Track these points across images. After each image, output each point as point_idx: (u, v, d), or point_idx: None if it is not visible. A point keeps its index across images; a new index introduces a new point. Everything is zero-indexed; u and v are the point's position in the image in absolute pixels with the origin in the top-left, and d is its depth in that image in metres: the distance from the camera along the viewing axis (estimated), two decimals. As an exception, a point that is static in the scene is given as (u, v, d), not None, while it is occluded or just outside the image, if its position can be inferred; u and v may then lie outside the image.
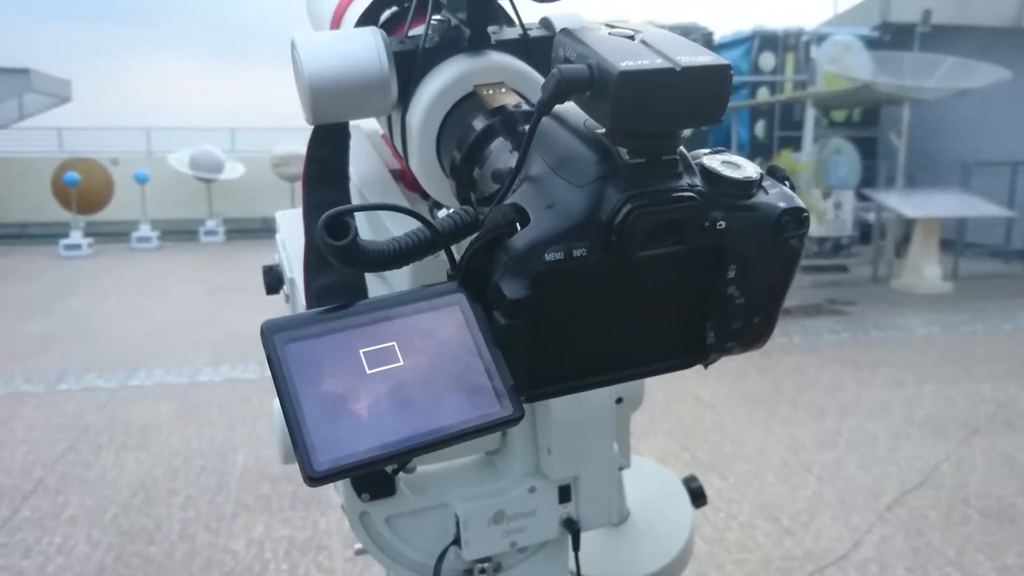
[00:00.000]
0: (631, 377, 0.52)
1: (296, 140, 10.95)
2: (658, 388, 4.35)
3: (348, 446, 0.40)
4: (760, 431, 3.71)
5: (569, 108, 0.46)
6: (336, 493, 0.77)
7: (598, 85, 0.42)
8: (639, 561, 0.91)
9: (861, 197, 8.39)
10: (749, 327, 0.52)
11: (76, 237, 10.54)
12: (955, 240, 8.47)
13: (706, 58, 0.43)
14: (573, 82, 0.42)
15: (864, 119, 10.22)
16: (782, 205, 0.48)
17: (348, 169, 0.64)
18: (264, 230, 11.91)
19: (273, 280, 0.81)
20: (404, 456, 0.42)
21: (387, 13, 0.69)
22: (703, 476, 3.12)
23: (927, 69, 8.33)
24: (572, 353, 0.48)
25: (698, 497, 0.94)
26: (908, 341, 5.49)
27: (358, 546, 0.80)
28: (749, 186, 0.47)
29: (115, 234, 11.69)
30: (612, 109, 0.41)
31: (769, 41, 10.36)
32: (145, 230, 11.39)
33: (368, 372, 0.42)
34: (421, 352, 0.44)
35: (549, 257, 0.42)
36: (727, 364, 3.77)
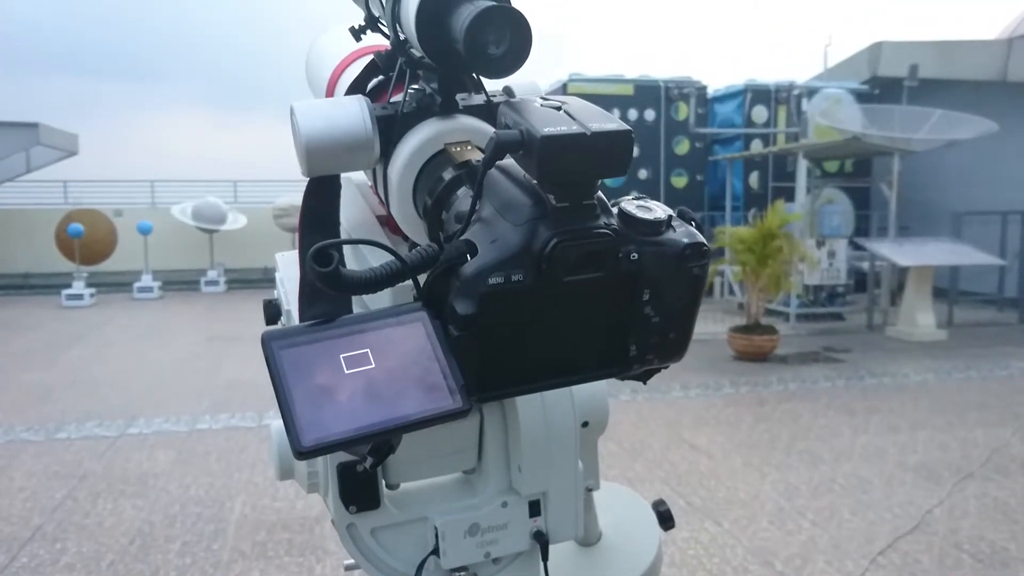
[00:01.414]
0: (567, 383, 0.62)
1: (297, 192, 10.98)
2: (654, 436, 4.39)
3: (329, 428, 0.51)
4: (755, 477, 3.73)
5: (512, 163, 0.57)
6: (327, 510, 0.83)
7: (527, 146, 0.54)
8: None
9: (855, 246, 8.50)
10: (666, 342, 0.62)
11: (79, 287, 10.64)
12: (949, 288, 8.56)
13: (612, 124, 0.54)
14: (507, 144, 0.54)
15: (856, 170, 10.40)
16: (685, 240, 0.59)
17: (338, 215, 0.73)
18: (265, 280, 12.02)
19: (272, 312, 0.92)
20: (374, 437, 0.52)
21: (374, 81, 0.79)
22: (698, 522, 3.15)
23: (916, 121, 8.53)
24: (516, 362, 0.58)
25: (666, 520, 1.00)
26: (902, 388, 5.52)
27: (348, 562, 0.86)
28: (658, 225, 0.59)
29: (117, 284, 11.80)
30: (537, 165, 0.53)
31: (761, 95, 10.61)
32: (147, 280, 11.50)
33: (346, 372, 0.53)
34: (390, 357, 0.54)
35: (492, 281, 0.54)
36: (723, 412, 3.84)
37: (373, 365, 0.54)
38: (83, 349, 7.34)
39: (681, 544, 3.00)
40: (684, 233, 0.60)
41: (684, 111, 10.45)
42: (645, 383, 0.67)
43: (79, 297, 10.56)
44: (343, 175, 0.74)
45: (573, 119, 0.54)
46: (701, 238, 0.60)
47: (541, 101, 0.58)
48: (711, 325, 7.74)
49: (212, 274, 12.20)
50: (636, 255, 0.57)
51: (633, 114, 10.24)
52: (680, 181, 10.51)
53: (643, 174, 10.21)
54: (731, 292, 9.48)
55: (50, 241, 11.90)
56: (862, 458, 3.99)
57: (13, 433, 4.54)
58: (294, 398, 0.52)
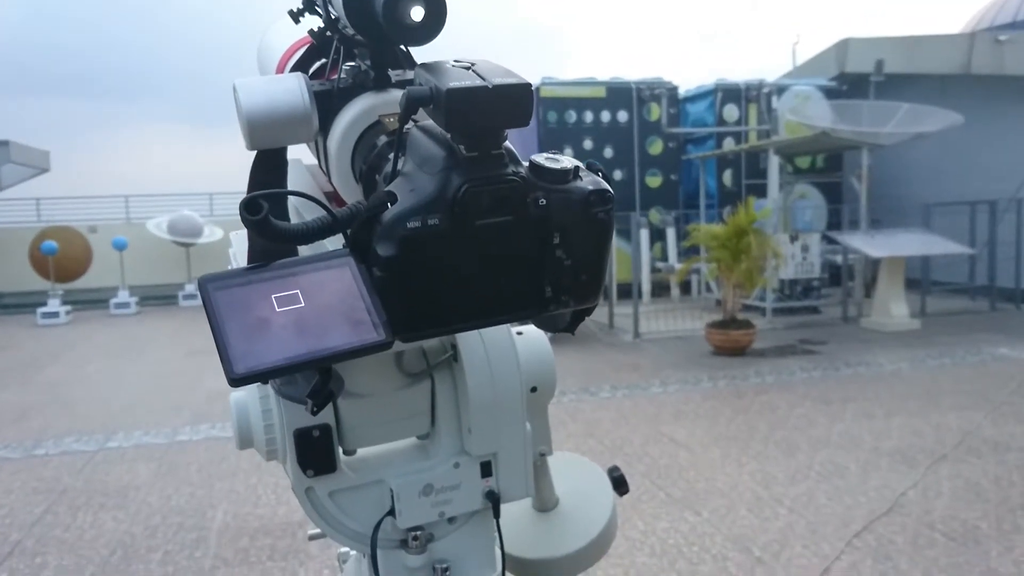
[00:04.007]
0: (487, 324, 0.66)
1: (274, 203, 11.08)
2: (634, 432, 4.43)
3: (261, 358, 0.55)
4: (733, 468, 3.78)
5: (431, 123, 0.62)
6: (287, 475, 0.86)
7: (436, 100, 0.59)
8: (565, 542, 1.01)
9: (828, 240, 8.62)
10: (578, 283, 0.66)
11: (54, 305, 10.53)
12: (921, 279, 8.70)
13: (513, 79, 0.60)
14: (418, 99, 0.60)
15: (828, 165, 10.55)
16: (590, 187, 0.65)
17: (285, 188, 0.76)
18: (243, 292, 11.94)
19: None
20: (304, 367, 0.56)
21: (316, 65, 0.84)
22: (677, 513, 3.19)
23: (883, 116, 8.68)
24: (438, 303, 0.62)
25: (620, 485, 1.03)
26: (877, 377, 5.61)
27: (312, 531, 0.89)
28: (565, 174, 0.64)
29: (94, 301, 11.70)
30: (445, 116, 0.58)
31: (732, 94, 10.74)
32: (124, 296, 11.41)
33: (277, 310, 0.57)
34: (318, 297, 0.59)
35: (410, 225, 0.59)
36: (702, 406, 3.88)
37: (303, 304, 0.58)
38: (60, 367, 7.27)
39: (661, 534, 3.04)
40: (590, 181, 0.65)
41: (656, 112, 10.55)
42: (573, 333, 0.71)
43: (55, 315, 10.45)
44: (294, 157, 0.78)
45: (479, 76, 0.59)
46: (605, 185, 0.65)
47: (453, 62, 0.62)
48: (689, 321, 7.82)
49: (190, 288, 12.12)
50: (544, 200, 0.62)
51: (606, 116, 10.33)
52: (655, 181, 10.61)
53: (618, 175, 10.29)
54: (708, 289, 9.57)
55: (24, 259, 11.78)
56: (838, 445, 4.06)
57: (-10, 451, 4.49)
58: (227, 332, 0.56)
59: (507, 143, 0.62)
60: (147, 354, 7.90)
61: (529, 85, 0.60)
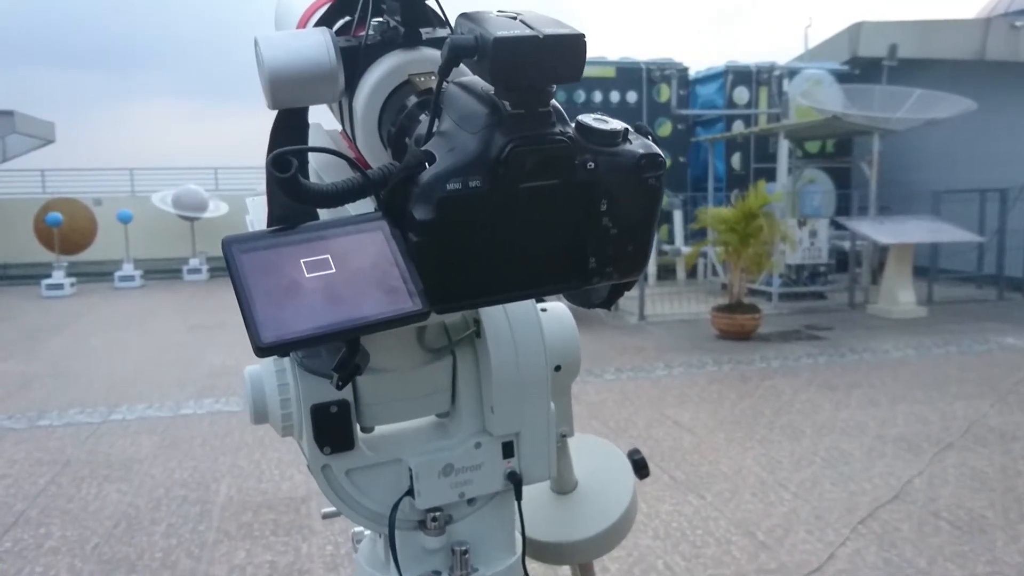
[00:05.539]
0: (528, 296, 0.63)
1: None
2: (639, 414, 4.42)
3: (289, 326, 0.52)
4: (738, 452, 3.76)
5: (472, 79, 0.58)
6: (302, 453, 0.84)
7: (481, 51, 0.54)
8: (585, 525, 0.99)
9: (836, 226, 8.56)
10: (624, 255, 0.62)
11: (59, 277, 10.54)
12: (929, 266, 8.65)
13: (566, 29, 0.55)
14: (462, 48, 0.55)
15: (837, 150, 10.46)
16: (641, 151, 0.60)
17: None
18: (248, 268, 11.93)
19: None
20: (335, 337, 0.53)
21: (341, 22, 0.80)
22: (681, 496, 3.18)
23: (895, 101, 8.59)
24: (476, 273, 0.58)
25: (641, 468, 1.01)
26: (883, 363, 5.58)
27: (326, 509, 0.87)
28: (614, 136, 0.60)
29: (98, 274, 11.70)
30: (491, 68, 0.54)
31: (743, 76, 10.64)
32: (128, 269, 11.41)
33: (307, 276, 0.54)
34: (350, 262, 0.55)
35: (450, 187, 0.54)
36: (706, 390, 3.85)
37: (334, 270, 0.54)
38: (64, 338, 7.28)
39: (665, 517, 3.03)
40: (640, 145, 0.61)
41: (666, 93, 10.46)
42: (610, 309, 0.68)
43: (59, 287, 10.46)
44: (314, 122, 0.74)
45: (528, 25, 0.55)
46: (656, 149, 0.61)
47: (497, 12, 0.58)
48: (694, 305, 7.79)
49: (194, 262, 12.12)
50: (592, 164, 0.58)
51: (615, 96, 10.25)
52: (663, 163, 10.52)
53: (626, 156, 10.20)
54: (714, 273, 9.53)
55: (29, 231, 11.76)
56: (843, 432, 4.04)
57: (-6, 421, 4.50)
58: (253, 297, 0.52)
59: (554, 100, 0.58)
60: (151, 327, 7.90)
61: (583, 36, 0.56)
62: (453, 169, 0.55)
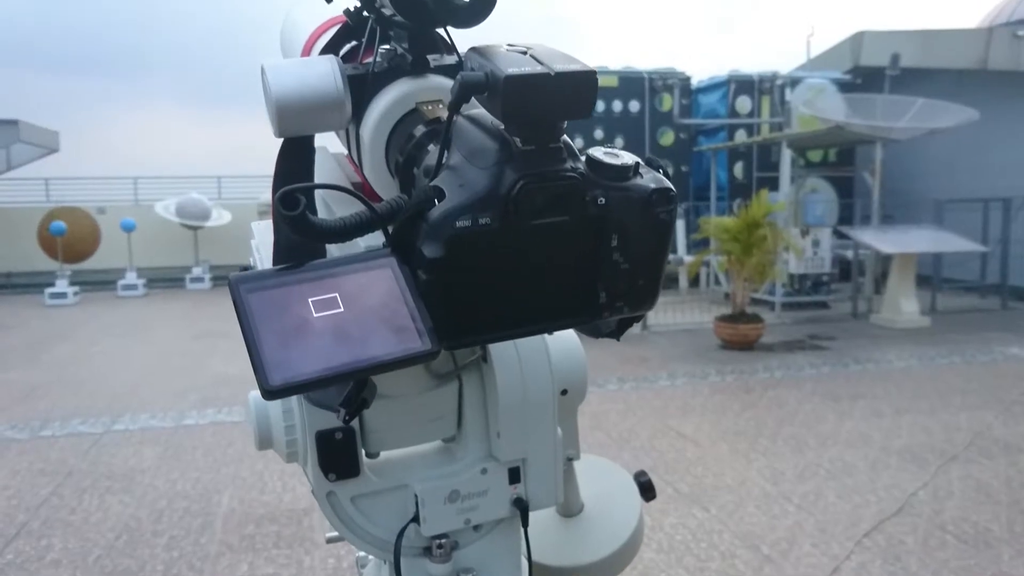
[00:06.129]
0: (538, 331, 0.62)
1: (282, 187, 11.05)
2: (641, 425, 4.40)
3: (297, 368, 0.51)
4: (741, 463, 3.75)
5: (481, 112, 0.58)
6: (308, 482, 0.83)
7: (492, 87, 0.54)
8: (591, 549, 0.98)
9: (839, 235, 8.56)
10: (635, 289, 0.62)
11: (62, 286, 10.55)
12: (932, 276, 8.63)
13: (577, 65, 0.55)
14: (472, 85, 0.55)
15: (840, 159, 10.46)
16: (652, 186, 0.60)
17: (312, 178, 0.73)
18: (250, 276, 11.92)
19: None
20: (344, 378, 0.52)
21: (347, 47, 0.79)
22: (685, 509, 3.17)
23: (898, 110, 8.59)
24: (486, 308, 0.58)
25: (647, 491, 1.00)
26: (887, 374, 5.57)
27: (330, 534, 0.86)
28: (625, 171, 0.59)
29: (101, 282, 11.71)
30: (502, 104, 0.54)
31: (745, 85, 10.65)
32: (131, 278, 11.42)
33: (315, 315, 0.53)
34: (358, 301, 0.54)
35: (459, 224, 0.54)
36: (710, 400, 3.82)
37: (342, 309, 0.54)
38: (67, 347, 7.28)
39: (669, 530, 3.01)
40: (651, 179, 0.61)
41: (668, 102, 10.48)
42: (618, 339, 0.67)
43: (63, 296, 10.47)
44: (320, 145, 0.74)
45: (538, 61, 0.55)
46: (668, 184, 0.61)
47: (507, 46, 0.58)
48: (697, 315, 7.78)
49: (197, 271, 12.13)
50: (603, 199, 0.58)
51: (618, 105, 10.26)
52: (665, 172, 10.54)
53: (628, 165, 10.21)
54: (716, 282, 9.52)
55: (32, 239, 11.78)
56: (847, 443, 4.03)
57: (-3, 431, 4.50)
58: (261, 339, 0.52)
59: (565, 136, 0.58)
60: (154, 336, 7.90)
61: (594, 72, 0.55)
62: (463, 206, 0.54)
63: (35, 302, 10.53)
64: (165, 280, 12.20)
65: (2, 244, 12.22)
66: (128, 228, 11.48)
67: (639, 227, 0.60)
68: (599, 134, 10.10)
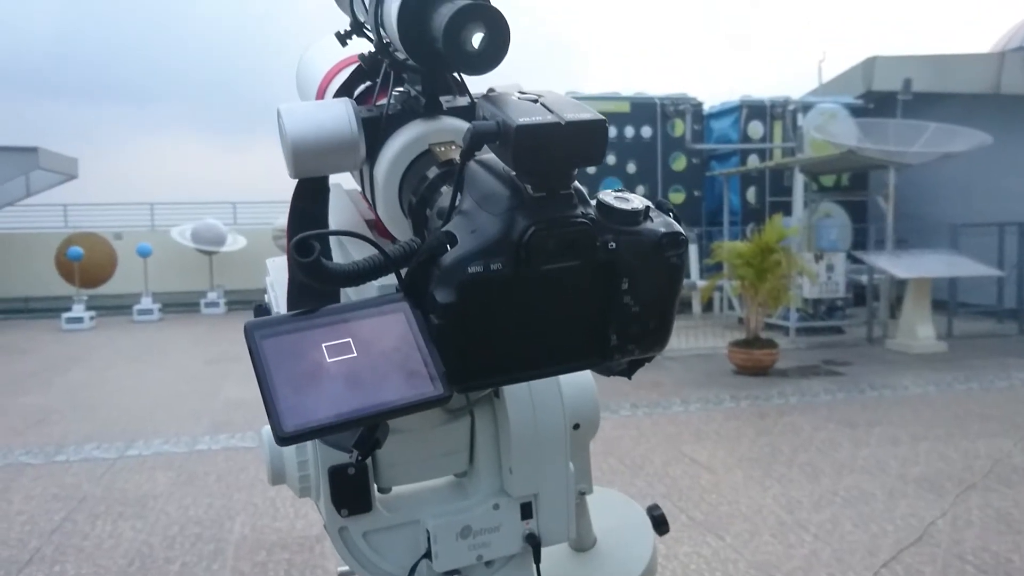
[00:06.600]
0: (549, 373, 0.63)
1: (297, 212, 11.14)
2: (655, 451, 4.37)
3: (311, 414, 0.52)
4: (756, 491, 3.71)
5: (493, 157, 0.59)
6: (320, 513, 0.84)
7: (503, 136, 0.55)
8: None
9: (853, 259, 8.52)
10: (646, 332, 0.63)
11: (78, 310, 10.64)
12: (948, 300, 8.56)
13: (587, 114, 0.56)
14: (484, 135, 0.56)
15: (853, 184, 10.43)
16: (662, 230, 0.60)
17: (327, 218, 0.74)
18: (264, 301, 11.99)
19: (262, 316, 0.92)
20: (356, 423, 0.53)
21: (362, 87, 0.81)
22: (699, 536, 3.13)
23: (911, 135, 8.57)
24: (497, 352, 0.59)
25: (660, 525, 1.00)
26: (903, 400, 5.51)
27: (342, 568, 0.86)
28: (635, 215, 0.60)
29: (117, 307, 11.80)
30: (513, 154, 0.55)
31: (757, 110, 10.66)
32: (147, 303, 11.50)
33: (328, 360, 0.54)
34: (371, 346, 0.55)
35: (471, 270, 0.55)
36: (724, 427, 3.81)
37: (355, 354, 0.55)
38: (82, 372, 7.33)
39: (683, 559, 2.98)
40: (661, 223, 0.61)
41: (680, 128, 10.50)
42: (630, 378, 0.67)
43: (79, 320, 10.56)
44: (334, 181, 0.75)
45: (549, 110, 0.56)
46: (678, 228, 0.61)
47: (518, 94, 0.59)
48: (711, 340, 7.74)
49: (212, 296, 12.21)
50: (614, 244, 0.58)
51: (630, 131, 10.30)
52: (678, 197, 10.55)
53: (640, 190, 10.23)
54: (730, 307, 9.48)
55: (50, 265, 11.91)
56: (863, 470, 3.98)
57: (12, 456, 4.52)
58: (275, 385, 0.52)
59: (575, 182, 0.58)
60: (168, 360, 7.95)
61: (604, 121, 0.56)
62: (475, 252, 0.55)
63: (52, 327, 10.62)
64: (180, 305, 12.28)
65: (20, 269, 12.36)
66: (144, 253, 11.59)
67: (649, 271, 0.60)
68: (611, 159, 10.14)
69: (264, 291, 0.95)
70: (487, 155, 0.59)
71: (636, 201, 0.61)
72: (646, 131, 10.38)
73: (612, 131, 10.45)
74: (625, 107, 10.30)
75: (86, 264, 11.36)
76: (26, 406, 5.86)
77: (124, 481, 4.05)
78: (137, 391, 6.41)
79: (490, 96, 0.59)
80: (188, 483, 3.99)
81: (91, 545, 3.22)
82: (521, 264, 0.55)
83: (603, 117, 0.56)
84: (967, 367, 6.57)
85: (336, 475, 0.78)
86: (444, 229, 0.57)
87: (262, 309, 0.91)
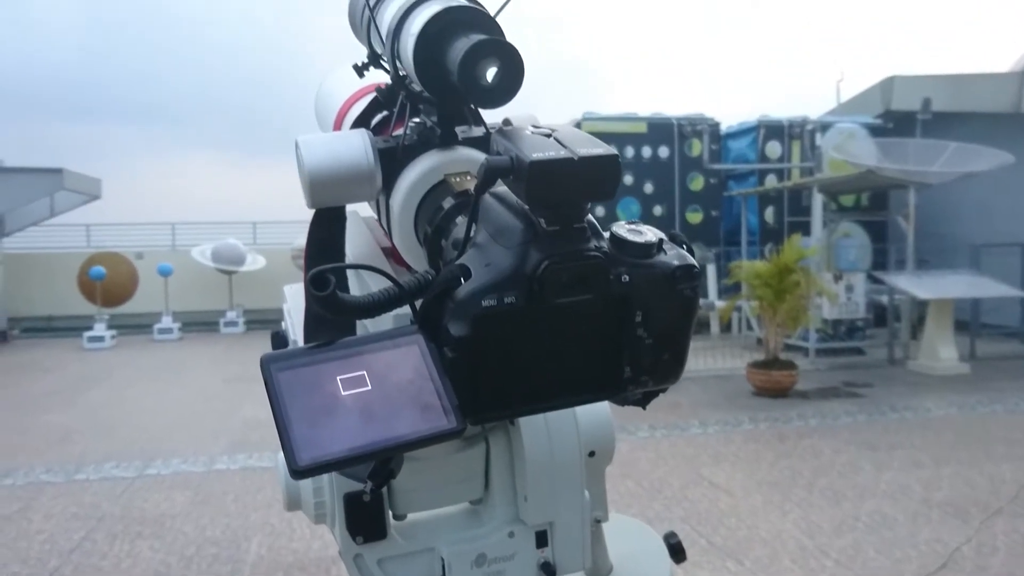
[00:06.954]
0: (562, 405, 0.63)
1: (315, 232, 11.23)
2: (673, 474, 4.33)
3: (326, 448, 0.52)
4: (776, 515, 3.67)
5: (507, 190, 0.59)
6: (335, 540, 0.84)
7: (517, 171, 0.56)
8: None
9: (873, 280, 8.44)
10: (660, 364, 0.62)
11: (100, 329, 10.75)
12: (970, 321, 8.45)
13: (599, 149, 0.56)
14: (497, 170, 0.56)
15: (872, 203, 10.37)
16: (676, 262, 0.60)
17: (343, 246, 0.75)
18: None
19: (279, 343, 0.94)
20: (370, 457, 0.53)
21: (378, 117, 0.83)
22: (719, 561, 3.10)
23: (930, 154, 8.51)
24: (511, 384, 0.59)
25: (677, 552, 0.99)
26: (925, 422, 5.44)
27: None
28: (649, 248, 0.60)
29: (138, 326, 11.91)
30: (526, 189, 0.55)
31: (775, 130, 10.65)
32: (167, 322, 11.60)
33: (343, 393, 0.54)
34: (386, 379, 0.55)
35: (485, 303, 0.55)
36: (743, 449, 3.78)
37: (369, 387, 0.55)
38: (103, 391, 7.39)
39: (702, 584, 2.95)
40: (675, 256, 0.61)
41: (698, 148, 10.51)
42: (645, 408, 0.67)
43: (100, 339, 10.66)
44: (351, 209, 0.76)
45: (562, 145, 0.56)
46: (692, 260, 0.62)
47: (532, 129, 0.59)
48: (729, 360, 7.69)
49: (231, 315, 12.29)
50: (627, 277, 0.59)
51: (647, 151, 10.31)
52: (695, 217, 10.53)
53: (658, 210, 10.24)
54: (749, 327, 9.42)
55: (72, 284, 12.06)
56: (886, 495, 3.92)
57: (33, 475, 4.56)
58: (290, 418, 0.53)
59: (589, 216, 0.59)
60: (187, 380, 8.00)
61: (616, 156, 0.57)
62: (489, 286, 0.55)
63: (74, 345, 10.73)
64: (199, 324, 12.37)
65: (43, 288, 12.52)
66: (165, 273, 11.71)
67: (663, 303, 0.60)
68: (629, 179, 10.15)
69: (281, 314, 0.96)
70: (501, 188, 0.60)
71: (649, 233, 0.61)
72: (663, 151, 10.38)
73: (629, 151, 10.55)
74: (642, 127, 10.32)
75: (108, 283, 11.49)
76: (48, 424, 5.91)
77: (142, 500, 4.06)
78: (156, 410, 6.45)
79: (504, 131, 0.60)
80: (205, 503, 4.00)
81: (109, 565, 3.23)
82: (534, 298, 0.56)
83: (615, 152, 0.57)
84: (991, 389, 6.47)
85: (351, 502, 0.78)
86: (458, 262, 0.58)
87: (279, 337, 0.92)
